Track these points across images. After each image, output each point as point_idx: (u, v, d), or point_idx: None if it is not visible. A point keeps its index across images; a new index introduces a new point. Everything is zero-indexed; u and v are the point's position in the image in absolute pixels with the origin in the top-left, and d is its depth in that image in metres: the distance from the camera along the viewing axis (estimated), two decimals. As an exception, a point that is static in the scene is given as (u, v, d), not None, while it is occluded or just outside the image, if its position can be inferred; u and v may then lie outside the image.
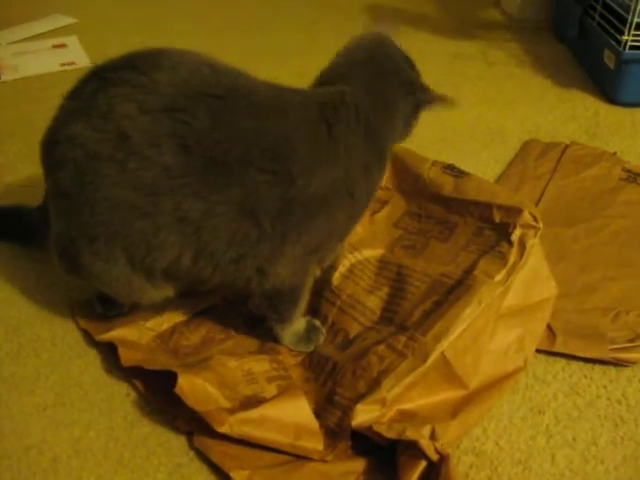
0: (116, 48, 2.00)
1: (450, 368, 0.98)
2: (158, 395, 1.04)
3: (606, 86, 1.75)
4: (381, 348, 1.01)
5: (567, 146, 1.55)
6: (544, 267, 1.11)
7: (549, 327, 1.11)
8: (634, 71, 1.65)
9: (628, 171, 1.47)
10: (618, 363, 1.08)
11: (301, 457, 0.95)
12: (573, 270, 1.24)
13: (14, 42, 2.05)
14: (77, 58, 1.96)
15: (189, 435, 0.99)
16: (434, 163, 1.27)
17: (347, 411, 0.95)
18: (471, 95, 1.80)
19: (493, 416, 1.01)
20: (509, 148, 1.57)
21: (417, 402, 0.96)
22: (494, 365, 1.02)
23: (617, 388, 1.06)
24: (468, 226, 1.16)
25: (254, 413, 0.95)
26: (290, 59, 1.98)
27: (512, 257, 1.06)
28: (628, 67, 1.65)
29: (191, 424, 0.99)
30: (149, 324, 1.14)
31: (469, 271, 1.06)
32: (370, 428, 0.91)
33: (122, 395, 1.06)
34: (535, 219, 1.08)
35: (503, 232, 1.09)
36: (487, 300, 1.01)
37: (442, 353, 0.97)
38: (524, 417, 1.01)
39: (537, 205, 1.38)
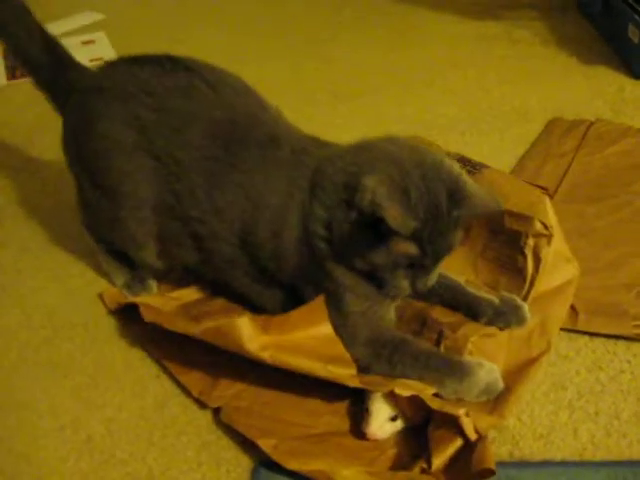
0: (142, 43, 2.07)
1: (481, 352, 1.00)
2: (186, 373, 1.07)
3: (631, 61, 1.72)
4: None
5: (592, 123, 1.53)
6: (565, 250, 1.11)
7: (571, 306, 1.11)
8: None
9: (654, 147, 1.45)
10: (641, 338, 1.08)
11: (324, 434, 0.97)
12: (597, 247, 1.23)
13: (44, 40, 2.09)
14: (104, 53, 2.00)
15: (216, 412, 1.02)
16: (448, 155, 1.26)
17: None
18: (495, 75, 1.79)
19: (515, 392, 1.02)
20: (533, 127, 1.56)
21: None
22: (518, 352, 1.03)
23: (641, 363, 1.05)
24: (481, 228, 1.15)
25: (285, 339, 0.96)
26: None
27: (529, 270, 1.08)
28: (654, 41, 1.63)
29: (218, 399, 1.02)
30: (174, 294, 1.19)
31: (492, 287, 1.11)
32: (414, 396, 0.91)
33: (152, 377, 1.10)
34: (546, 227, 1.08)
35: (515, 241, 1.10)
36: None
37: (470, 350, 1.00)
38: (546, 393, 1.02)
39: (561, 182, 1.37)
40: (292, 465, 0.91)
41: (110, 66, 1.17)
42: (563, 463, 0.92)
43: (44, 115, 1.73)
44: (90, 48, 2.04)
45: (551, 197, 1.31)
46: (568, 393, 1.02)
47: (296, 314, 0.97)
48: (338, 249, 0.96)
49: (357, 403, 1.00)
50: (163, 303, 1.16)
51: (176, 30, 2.15)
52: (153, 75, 1.09)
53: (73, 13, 2.24)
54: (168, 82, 1.08)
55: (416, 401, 0.92)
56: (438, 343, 1.02)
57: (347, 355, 0.96)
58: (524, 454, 0.94)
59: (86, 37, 2.09)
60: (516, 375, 1.00)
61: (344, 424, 1.00)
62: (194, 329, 1.00)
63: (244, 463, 0.96)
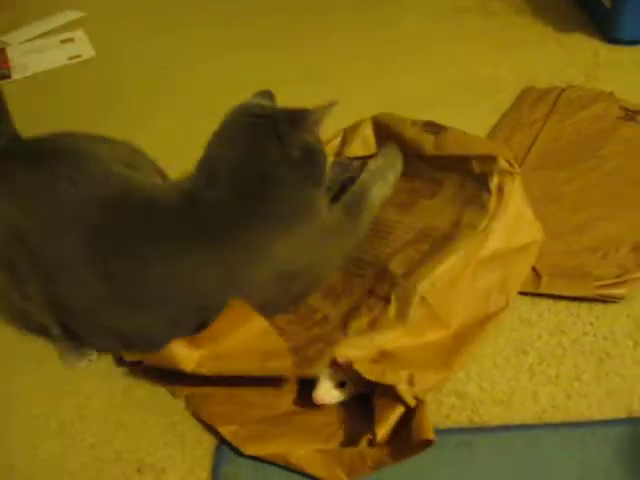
0: (121, 39, 2.08)
1: (431, 309, 0.98)
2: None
3: (604, 25, 1.70)
4: (372, 300, 1.03)
5: (563, 90, 1.52)
6: (527, 211, 1.09)
7: (535, 270, 1.10)
8: (630, 7, 1.60)
9: (626, 109, 1.43)
10: (605, 300, 1.07)
11: (286, 414, 0.98)
12: (565, 212, 1.23)
13: (24, 41, 2.12)
14: (83, 51, 2.02)
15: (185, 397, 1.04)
16: (413, 123, 1.26)
17: (331, 343, 0.95)
18: (469, 48, 1.78)
19: (476, 359, 1.02)
20: (506, 98, 1.55)
21: (399, 343, 0.96)
22: (476, 306, 1.02)
23: (604, 324, 1.05)
24: (452, 180, 1.14)
25: (219, 348, 0.97)
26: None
27: (492, 205, 1.05)
28: (624, 3, 1.60)
29: (184, 389, 1.04)
30: None
31: (455, 224, 1.07)
32: (351, 366, 0.91)
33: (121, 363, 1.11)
34: (511, 164, 1.07)
35: (483, 182, 1.09)
36: (469, 248, 1.01)
37: (423, 296, 0.98)
38: (507, 358, 1.02)
39: (530, 150, 1.37)
40: (249, 450, 0.93)
41: None
42: (520, 426, 0.93)
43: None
44: (69, 46, 2.06)
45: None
46: (529, 357, 1.02)
47: (222, 320, 0.97)
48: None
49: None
50: None
51: (155, 24, 2.16)
52: (15, 172, 1.04)
53: (53, 12, 2.25)
54: (32, 186, 1.02)
55: (353, 371, 0.91)
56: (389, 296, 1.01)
57: (282, 345, 0.97)
58: (484, 420, 0.95)
59: (65, 36, 2.11)
60: (471, 330, 0.99)
61: (307, 401, 1.00)
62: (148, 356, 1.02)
63: (208, 440, 0.98)
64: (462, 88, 1.63)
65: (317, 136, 1.07)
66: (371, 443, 0.89)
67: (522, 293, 1.09)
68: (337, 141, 1.36)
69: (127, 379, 1.09)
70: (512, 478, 0.88)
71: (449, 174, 1.16)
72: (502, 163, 1.07)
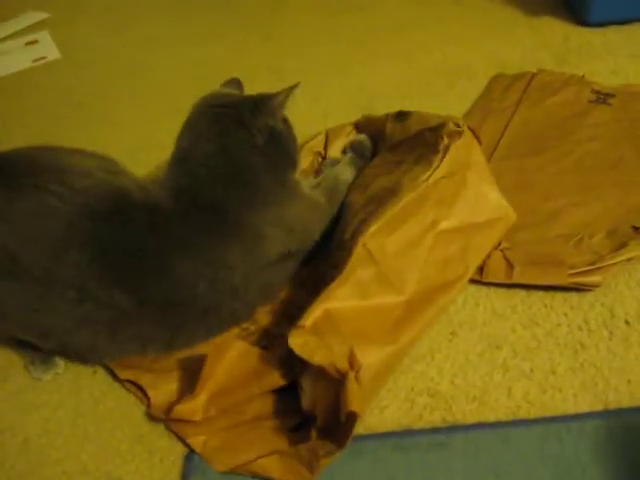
0: (86, 39, 2.04)
1: (380, 270, 0.94)
2: (125, 369, 1.05)
3: (575, 8, 1.68)
4: (329, 273, 0.98)
5: (534, 75, 1.49)
6: (492, 190, 1.07)
7: (507, 259, 1.08)
8: (600, -11, 1.58)
9: (597, 92, 1.41)
10: (580, 288, 1.05)
11: (255, 419, 0.96)
12: (537, 199, 1.20)
13: (-12, 44, 2.07)
14: (48, 52, 1.98)
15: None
16: (387, 117, 1.25)
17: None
18: (438, 35, 1.75)
19: (449, 355, 1.00)
20: (476, 85, 1.53)
21: (346, 302, 0.92)
22: (433, 274, 0.98)
23: (578, 314, 1.03)
24: (411, 157, 1.12)
25: (214, 387, 0.95)
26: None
27: (437, 161, 1.04)
28: (594, -15, 1.58)
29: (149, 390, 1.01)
30: None
31: (399, 182, 1.05)
32: (286, 341, 0.87)
33: (89, 374, 1.09)
34: (458, 125, 1.07)
35: (434, 147, 1.06)
36: (410, 198, 0.99)
37: (365, 246, 0.94)
38: (481, 353, 1.00)
39: (501, 137, 1.34)
40: (219, 465, 0.92)
41: None
42: (494, 424, 0.91)
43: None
44: (33, 48, 2.02)
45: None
46: (503, 352, 0.99)
47: (208, 362, 0.95)
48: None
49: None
50: None
51: (120, 20, 2.13)
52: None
53: (17, 14, 2.21)
54: (19, 206, 0.96)
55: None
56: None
57: (267, 357, 0.95)
58: (457, 418, 0.92)
59: (29, 37, 2.06)
60: (426, 298, 0.97)
61: (277, 404, 0.98)
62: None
63: (177, 451, 0.95)
64: (433, 75, 1.60)
65: (282, 118, 1.08)
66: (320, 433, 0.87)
67: (495, 285, 1.08)
68: (320, 139, 1.36)
69: (94, 390, 1.06)
70: (487, 478, 0.86)
71: (410, 153, 1.13)
72: (450, 126, 1.07)
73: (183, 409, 0.94)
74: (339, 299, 0.91)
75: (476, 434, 0.89)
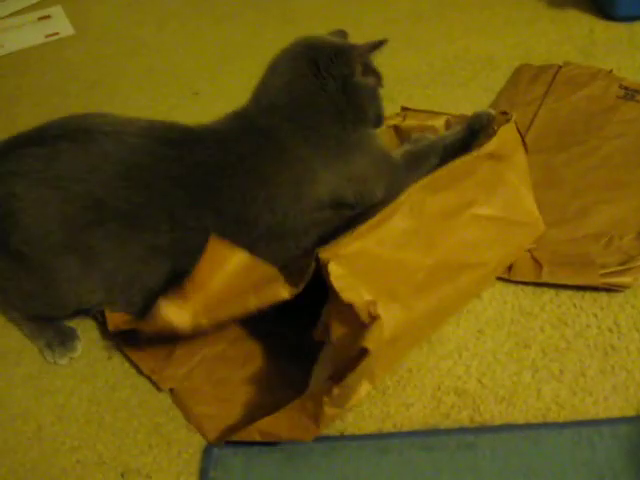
0: (100, 15, 2.00)
1: (414, 221, 0.92)
2: (137, 351, 1.03)
3: (600, 1, 1.64)
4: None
5: (560, 67, 1.46)
6: (528, 195, 1.07)
7: (535, 259, 1.06)
8: (628, -18, 1.54)
9: (625, 88, 1.38)
10: (610, 288, 1.02)
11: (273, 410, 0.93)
12: (565, 197, 1.18)
13: (0, 19, 2.02)
14: (61, 28, 1.94)
15: (170, 391, 1.00)
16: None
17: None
18: (460, 24, 1.71)
19: (476, 353, 0.98)
20: (499, 76, 1.49)
21: (380, 246, 0.89)
22: (459, 249, 0.97)
23: (608, 316, 1.00)
24: None
25: (208, 295, 0.90)
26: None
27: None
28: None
29: (169, 380, 0.99)
30: None
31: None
32: (327, 263, 0.83)
33: (104, 359, 1.06)
34: (504, 113, 1.09)
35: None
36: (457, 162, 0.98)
37: (409, 197, 0.92)
38: (509, 352, 0.97)
39: (528, 131, 1.31)
40: (212, 434, 0.92)
41: None
42: (524, 426, 0.89)
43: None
44: (46, 23, 1.97)
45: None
46: (532, 352, 0.97)
47: (203, 265, 0.88)
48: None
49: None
50: None
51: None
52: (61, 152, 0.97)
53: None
54: (96, 150, 0.97)
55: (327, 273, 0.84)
56: None
57: (269, 269, 0.89)
58: (485, 419, 0.90)
59: (42, 12, 2.02)
60: (447, 272, 0.95)
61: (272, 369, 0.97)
62: (142, 324, 0.95)
63: (196, 443, 0.93)
64: (455, 65, 1.57)
65: (363, 71, 1.06)
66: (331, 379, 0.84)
67: (523, 283, 1.05)
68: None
69: (110, 377, 1.04)
70: (517, 481, 0.84)
71: None
72: (498, 117, 1.11)
73: (170, 310, 0.88)
74: (374, 240, 0.88)
75: (505, 435, 0.87)
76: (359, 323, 0.83)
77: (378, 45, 1.04)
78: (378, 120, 1.10)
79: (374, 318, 0.82)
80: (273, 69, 1.07)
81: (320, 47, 1.05)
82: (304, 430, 0.86)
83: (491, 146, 1.00)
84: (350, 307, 0.82)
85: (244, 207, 0.99)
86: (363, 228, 0.88)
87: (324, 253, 0.84)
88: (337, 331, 0.85)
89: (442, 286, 0.94)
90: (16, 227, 0.96)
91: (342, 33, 1.14)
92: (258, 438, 0.88)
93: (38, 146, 0.97)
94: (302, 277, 0.86)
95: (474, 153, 0.99)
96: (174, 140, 1.00)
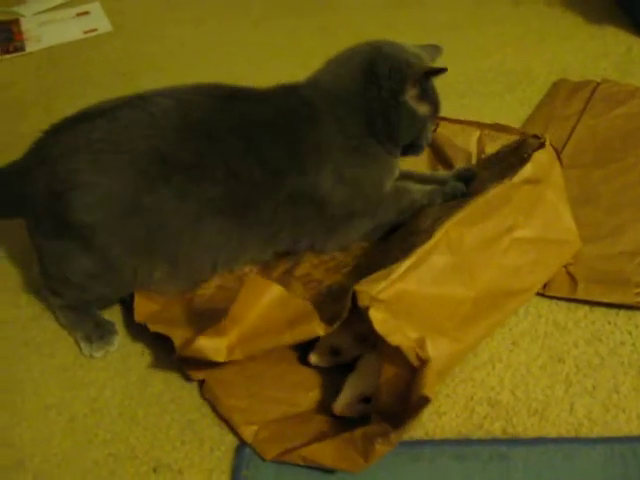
0: (138, 13, 2.02)
1: (454, 257, 0.92)
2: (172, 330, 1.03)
3: (639, 17, 1.64)
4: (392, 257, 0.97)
5: (598, 84, 1.46)
6: (566, 212, 1.07)
7: (570, 274, 1.06)
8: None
9: (663, 107, 1.39)
10: (644, 308, 1.03)
11: (307, 412, 0.95)
12: (601, 213, 1.18)
13: (39, 13, 2.05)
14: (99, 24, 1.96)
15: (200, 388, 1.00)
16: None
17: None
18: (496, 37, 1.72)
19: (510, 365, 0.98)
20: (536, 90, 1.50)
21: (420, 286, 0.90)
22: (502, 279, 0.97)
23: (643, 334, 1.01)
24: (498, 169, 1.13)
25: (244, 329, 0.92)
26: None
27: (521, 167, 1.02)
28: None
29: (202, 369, 0.99)
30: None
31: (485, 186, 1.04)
32: (367, 309, 0.84)
33: (137, 354, 1.07)
34: (537, 137, 1.08)
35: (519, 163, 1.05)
36: (492, 192, 0.98)
37: (447, 233, 0.92)
38: (543, 366, 0.98)
39: (565, 146, 1.31)
40: (268, 454, 0.90)
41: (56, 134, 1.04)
42: (557, 439, 0.89)
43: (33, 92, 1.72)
44: (84, 19, 1.99)
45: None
46: (565, 366, 0.97)
47: (241, 299, 0.91)
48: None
49: (345, 373, 0.96)
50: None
51: (174, -1, 2.10)
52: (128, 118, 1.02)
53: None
54: (155, 110, 1.02)
55: (367, 317, 0.84)
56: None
57: (305, 306, 0.90)
58: (517, 431, 0.90)
59: (81, 8, 2.04)
60: (493, 301, 0.95)
61: (330, 398, 0.95)
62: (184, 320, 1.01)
63: (228, 441, 0.94)
64: (490, 77, 1.57)
65: (416, 94, 1.06)
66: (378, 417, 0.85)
67: (558, 299, 1.05)
68: None
69: (143, 371, 1.05)
70: (549, 495, 0.84)
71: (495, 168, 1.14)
72: (530, 140, 1.09)
73: (206, 344, 0.90)
74: (414, 281, 0.89)
75: (538, 448, 0.88)
76: (409, 366, 0.84)
77: (437, 71, 1.04)
78: (415, 148, 1.11)
79: (424, 362, 0.83)
80: (336, 59, 1.10)
81: (386, 55, 1.05)
82: (352, 463, 0.85)
83: (526, 173, 1.00)
84: (398, 350, 0.83)
85: (281, 163, 1.03)
86: (401, 268, 0.89)
87: (362, 296, 0.85)
88: (388, 372, 0.86)
89: (488, 316, 0.95)
90: (80, 201, 0.98)
91: (435, 49, 1.14)
92: (300, 462, 0.89)
93: (97, 118, 1.01)
94: (338, 315, 0.87)
95: (509, 181, 0.99)
96: (226, 95, 1.05)
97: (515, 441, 0.89)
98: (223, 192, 1.01)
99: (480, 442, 0.89)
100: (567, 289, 1.05)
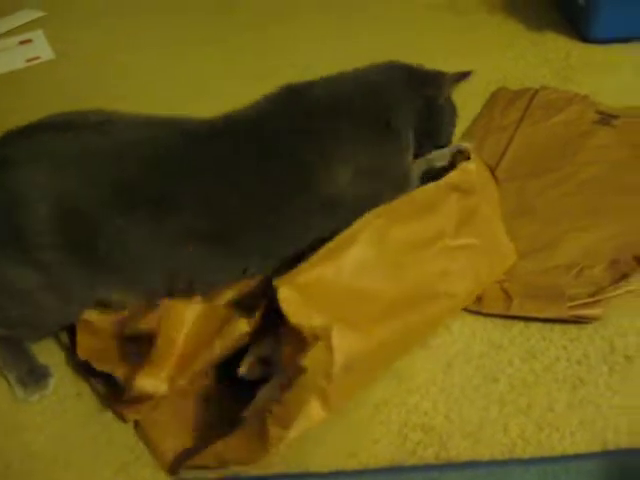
0: (81, 40, 2.00)
1: (380, 250, 0.93)
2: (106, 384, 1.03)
3: (578, 24, 1.65)
4: None
5: (536, 91, 1.47)
6: (499, 227, 1.09)
7: (505, 291, 1.06)
8: (605, 5, 1.55)
9: (601, 113, 1.39)
10: (579, 321, 1.02)
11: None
12: (537, 225, 1.18)
13: (-17, 42, 2.03)
14: (42, 52, 1.93)
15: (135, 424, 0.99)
16: None
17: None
18: (440, 47, 1.71)
19: (444, 388, 0.98)
20: (476, 100, 1.50)
21: (341, 275, 0.90)
22: (428, 281, 0.97)
23: (578, 348, 1.00)
24: None
25: (177, 355, 0.92)
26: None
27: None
28: (598, 1, 1.55)
29: (136, 411, 0.98)
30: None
31: None
32: (277, 288, 0.85)
33: (73, 396, 1.05)
34: (460, 151, 1.11)
35: None
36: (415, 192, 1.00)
37: (370, 223, 0.92)
38: (477, 387, 0.97)
39: (502, 157, 1.32)
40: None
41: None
42: (490, 462, 0.88)
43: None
44: (27, 47, 1.97)
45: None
46: (500, 385, 0.97)
47: (163, 329, 0.92)
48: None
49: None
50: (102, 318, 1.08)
51: (117, 24, 2.08)
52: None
53: (12, 11, 2.16)
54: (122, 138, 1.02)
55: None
56: None
57: (224, 310, 0.92)
58: (451, 455, 0.90)
59: (24, 36, 2.02)
60: (410, 302, 0.95)
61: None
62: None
63: (161, 482, 0.93)
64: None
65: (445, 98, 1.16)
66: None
67: (493, 316, 1.05)
68: None
69: (79, 414, 1.03)
70: (481, 520, 0.83)
71: None
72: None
73: (146, 382, 0.90)
74: (332, 269, 0.89)
75: (471, 473, 0.87)
76: (305, 346, 0.84)
77: (465, 76, 1.15)
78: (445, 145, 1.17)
79: (317, 339, 0.83)
80: (354, 71, 1.15)
81: (414, 68, 1.18)
82: (253, 452, 0.85)
83: (450, 178, 1.00)
84: (298, 331, 0.83)
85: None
86: (321, 254, 0.89)
87: (278, 281, 0.85)
88: (287, 358, 0.86)
89: (408, 316, 0.94)
90: (38, 215, 0.96)
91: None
92: (212, 461, 0.88)
93: (62, 131, 1.01)
94: (257, 306, 0.87)
95: (433, 184, 1.00)
96: (201, 134, 1.04)
97: (447, 466, 0.88)
98: (193, 221, 1.00)
99: (413, 469, 0.88)
100: (502, 305, 1.05)
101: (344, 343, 0.86)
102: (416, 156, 1.14)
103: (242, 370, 0.95)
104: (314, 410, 0.86)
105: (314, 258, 0.89)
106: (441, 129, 1.16)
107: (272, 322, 0.90)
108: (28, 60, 1.92)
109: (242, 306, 0.92)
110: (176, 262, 1.02)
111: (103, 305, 1.05)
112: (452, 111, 1.18)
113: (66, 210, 0.96)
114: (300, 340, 0.84)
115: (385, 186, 1.06)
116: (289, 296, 0.85)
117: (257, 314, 0.88)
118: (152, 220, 0.98)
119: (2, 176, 0.98)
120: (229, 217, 1.00)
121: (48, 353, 1.11)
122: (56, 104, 1.70)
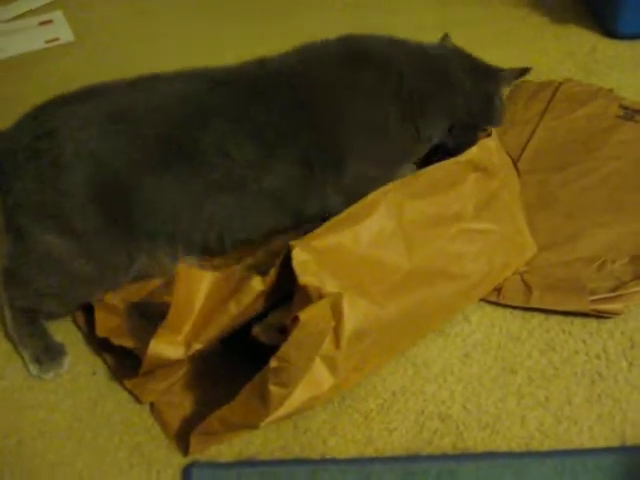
0: (101, 22, 1.99)
1: (397, 223, 0.92)
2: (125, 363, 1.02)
3: (604, 19, 1.63)
4: None
5: (560, 84, 1.45)
6: (519, 215, 1.08)
7: (525, 282, 1.05)
8: (630, 0, 1.52)
9: (625, 108, 1.37)
10: (599, 315, 1.01)
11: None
12: (559, 218, 1.16)
13: (2, 22, 2.02)
14: (62, 33, 1.93)
15: (150, 409, 0.98)
16: None
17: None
18: (462, 40, 1.68)
19: (462, 377, 0.97)
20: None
21: (359, 244, 0.90)
22: (442, 259, 0.97)
23: (597, 342, 0.99)
24: None
25: (193, 320, 0.91)
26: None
27: None
28: (625, -4, 1.53)
29: (150, 393, 0.98)
30: (133, 288, 1.11)
31: None
32: (292, 248, 0.85)
33: (88, 374, 1.05)
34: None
35: None
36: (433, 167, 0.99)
37: (386, 194, 0.92)
38: (495, 378, 0.96)
39: (524, 150, 1.30)
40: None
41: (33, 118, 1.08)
42: (507, 454, 0.87)
43: None
44: (47, 28, 1.96)
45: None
46: (518, 377, 0.96)
47: (179, 292, 0.90)
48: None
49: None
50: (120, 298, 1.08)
51: (138, 7, 2.07)
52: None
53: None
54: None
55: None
56: None
57: (240, 274, 0.91)
58: (467, 445, 0.89)
59: (44, 17, 2.01)
60: (425, 278, 0.95)
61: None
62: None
63: (175, 463, 0.92)
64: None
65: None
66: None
67: (512, 307, 1.04)
68: None
69: (93, 392, 1.03)
70: (497, 511, 0.83)
71: None
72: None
73: (163, 347, 0.90)
74: (350, 237, 0.89)
75: (488, 464, 0.86)
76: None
77: (524, 72, 1.19)
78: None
79: (321, 297, 0.82)
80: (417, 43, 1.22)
81: (476, 59, 1.24)
82: (255, 414, 0.85)
83: (470, 155, 0.99)
84: (306, 292, 0.83)
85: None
86: (339, 220, 0.89)
87: (294, 242, 0.85)
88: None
89: (419, 290, 0.94)
90: (77, 171, 0.99)
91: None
92: (218, 426, 0.89)
93: (99, 96, 1.06)
94: (272, 265, 0.87)
95: (451, 160, 0.98)
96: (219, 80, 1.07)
97: (464, 456, 0.87)
98: (221, 174, 1.02)
99: (429, 458, 0.88)
100: (522, 297, 1.04)
101: (355, 311, 0.85)
102: (444, 147, 1.14)
103: (256, 330, 0.92)
104: (320, 373, 0.85)
105: (331, 224, 0.89)
106: (489, 126, 1.15)
107: (290, 289, 0.89)
108: (47, 41, 1.91)
109: (259, 272, 0.91)
110: (208, 215, 1.04)
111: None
112: (503, 110, 1.22)
113: (104, 178, 0.99)
114: (308, 301, 0.84)
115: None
116: (303, 258, 0.85)
117: (272, 272, 0.87)
118: (186, 175, 1.01)
119: (50, 144, 0.99)
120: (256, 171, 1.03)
121: (64, 332, 1.11)
122: (73, 86, 1.71)
